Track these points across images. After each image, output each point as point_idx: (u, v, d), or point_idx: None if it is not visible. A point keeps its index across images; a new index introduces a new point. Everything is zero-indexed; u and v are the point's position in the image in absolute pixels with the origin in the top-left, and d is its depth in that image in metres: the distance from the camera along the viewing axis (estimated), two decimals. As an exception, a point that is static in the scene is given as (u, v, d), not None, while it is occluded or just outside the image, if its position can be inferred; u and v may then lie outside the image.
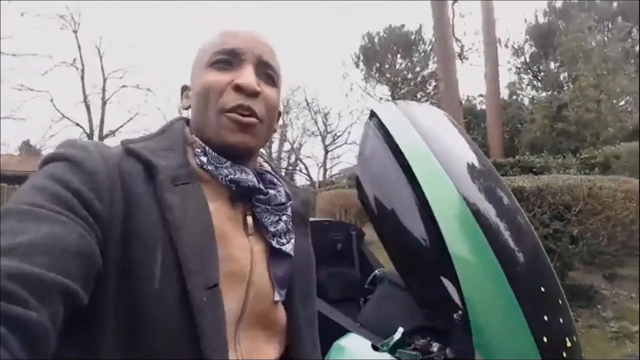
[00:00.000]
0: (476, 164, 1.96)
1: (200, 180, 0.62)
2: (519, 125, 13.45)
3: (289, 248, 0.69)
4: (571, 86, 12.20)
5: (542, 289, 1.55)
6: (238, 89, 0.62)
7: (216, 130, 0.63)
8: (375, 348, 1.64)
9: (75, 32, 20.13)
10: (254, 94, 0.63)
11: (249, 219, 0.66)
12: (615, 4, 14.60)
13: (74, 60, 20.24)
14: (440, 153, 1.72)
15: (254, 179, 0.66)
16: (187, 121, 0.72)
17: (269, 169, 0.79)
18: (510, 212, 1.78)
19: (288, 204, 0.72)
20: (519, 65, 16.34)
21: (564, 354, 1.42)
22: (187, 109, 0.72)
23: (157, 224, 0.54)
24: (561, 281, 4.46)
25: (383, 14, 52.44)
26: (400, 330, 1.63)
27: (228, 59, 0.64)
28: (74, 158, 0.53)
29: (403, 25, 25.67)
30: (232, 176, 0.63)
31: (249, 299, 0.62)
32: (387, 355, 1.55)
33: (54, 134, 20.07)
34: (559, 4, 14.95)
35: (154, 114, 26.56)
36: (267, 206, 0.67)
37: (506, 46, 15.19)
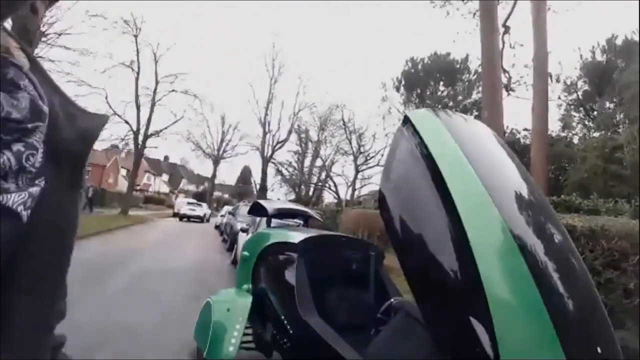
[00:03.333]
0: (527, 192, 1.68)
1: None
2: (566, 164, 12.60)
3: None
4: (628, 127, 11.31)
5: (599, 351, 1.27)
6: None
7: None
8: None
9: (135, 36, 21.39)
10: None
11: None
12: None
13: (131, 62, 21.44)
14: (486, 175, 1.45)
15: None
16: None
17: None
18: (564, 252, 1.50)
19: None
20: (571, 102, 15.45)
21: None
22: None
23: None
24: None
25: (428, 41, 52.40)
26: None
27: None
28: None
29: (449, 54, 25.44)
30: None
31: None
32: None
33: (104, 128, 21.22)
34: (619, 42, 14.10)
35: (197, 118, 27.66)
36: None
37: (557, 81, 14.45)
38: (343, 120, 27.16)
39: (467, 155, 1.47)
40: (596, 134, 13.15)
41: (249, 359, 3.19)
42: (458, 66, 25.24)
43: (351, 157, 27.02)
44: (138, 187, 36.02)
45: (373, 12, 58.92)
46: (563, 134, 13.74)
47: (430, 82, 25.27)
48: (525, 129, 14.57)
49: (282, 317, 2.73)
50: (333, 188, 27.25)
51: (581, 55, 15.20)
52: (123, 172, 35.75)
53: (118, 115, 20.88)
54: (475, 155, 1.52)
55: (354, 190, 26.55)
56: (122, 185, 31.19)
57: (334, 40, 58.80)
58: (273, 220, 4.40)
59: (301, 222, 5.40)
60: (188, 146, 35.14)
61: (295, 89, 34.97)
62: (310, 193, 29.84)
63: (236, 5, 64.39)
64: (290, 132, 30.62)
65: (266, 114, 31.24)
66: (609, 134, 12.19)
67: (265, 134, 31.07)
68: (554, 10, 13.58)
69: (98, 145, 31.35)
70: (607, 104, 14.44)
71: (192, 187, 51.62)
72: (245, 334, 2.87)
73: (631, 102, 11.06)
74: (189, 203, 27.10)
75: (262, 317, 3.02)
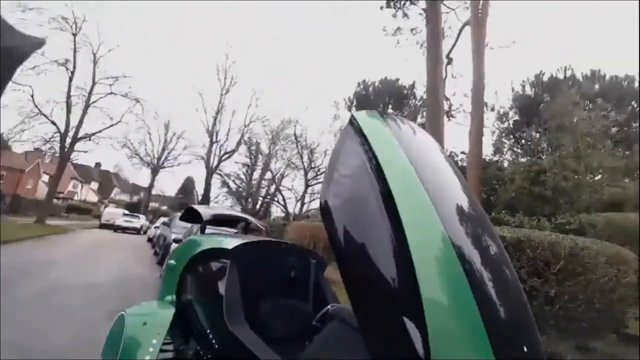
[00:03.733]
0: (468, 204, 1.69)
1: None
2: (497, 185, 13.59)
3: None
4: (551, 154, 12.53)
5: (525, 350, 1.33)
6: None
7: None
8: None
9: (74, 34, 19.83)
10: None
11: None
12: (597, 85, 15.51)
13: (66, 60, 19.73)
14: (430, 183, 1.43)
15: None
16: None
17: None
18: (498, 261, 1.53)
19: None
20: (503, 130, 16.86)
21: None
22: None
23: None
24: None
25: (380, 66, 55.05)
26: None
27: None
28: None
29: (398, 79, 26.86)
30: None
31: None
32: None
33: (26, 128, 19.21)
34: (545, 78, 15.77)
35: (137, 124, 25.73)
36: None
37: (492, 110, 15.73)
38: (295, 135, 27.10)
39: (412, 161, 1.45)
40: (523, 159, 14.39)
41: (166, 379, 2.81)
42: (406, 92, 26.67)
43: (302, 172, 26.99)
44: (61, 195, 32.81)
45: (329, 33, 60.79)
46: (495, 158, 14.89)
47: (380, 104, 26.38)
48: (463, 152, 15.58)
49: (208, 330, 2.53)
50: (282, 202, 26.90)
51: (513, 88, 16.77)
52: (46, 178, 32.27)
53: (43, 114, 18.88)
54: (420, 163, 1.50)
55: (302, 204, 26.43)
56: (44, 192, 28.05)
57: (289, 56, 59.40)
58: (210, 228, 4.07)
59: (240, 230, 5.10)
60: (124, 153, 32.62)
61: (248, 100, 33.71)
62: (258, 206, 29.15)
63: (190, 13, 62.89)
64: (239, 144, 29.75)
65: (214, 124, 30.16)
66: (534, 159, 13.40)
67: (212, 143, 29.83)
68: (491, 47, 14.96)
69: (17, 148, 28.16)
70: (534, 133, 15.94)
71: (125, 197, 47.62)
72: (164, 351, 2.57)
73: (555, 132, 12.32)
74: (125, 214, 25.16)
75: (186, 332, 2.75)
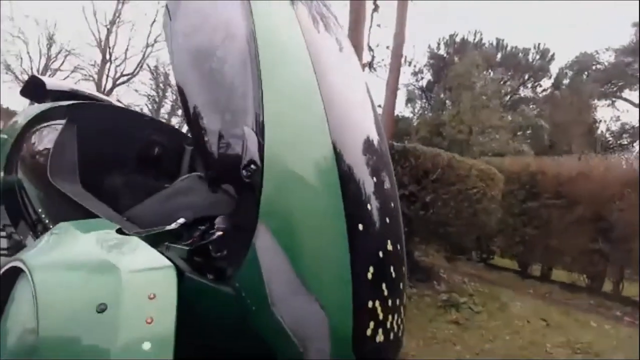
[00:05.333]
0: (361, 101, 1.67)
1: None
2: (408, 138, 14.44)
3: None
4: (450, 109, 13.60)
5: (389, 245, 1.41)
6: None
7: None
8: (121, 232, 1.35)
9: None
10: None
11: None
12: (499, 55, 16.95)
13: None
14: (321, 60, 1.40)
15: None
16: None
17: None
18: (374, 153, 1.57)
19: None
20: (417, 87, 17.74)
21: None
22: None
23: None
24: (407, 259, 4.32)
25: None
26: (180, 221, 1.41)
27: None
28: None
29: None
30: None
31: None
32: (135, 239, 1.30)
33: None
34: (458, 39, 16.72)
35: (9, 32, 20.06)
36: None
37: (409, 64, 16.28)
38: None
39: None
40: (430, 115, 15.42)
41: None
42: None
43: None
44: None
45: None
46: (407, 114, 15.74)
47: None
48: (379, 105, 16.05)
49: (40, 209, 2.21)
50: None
51: (429, 45, 17.48)
52: None
53: None
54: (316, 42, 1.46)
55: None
56: None
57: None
58: None
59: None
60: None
61: (152, 15, 23.47)
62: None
63: None
64: (140, 66, 23.96)
65: (108, 36, 23.37)
66: (439, 113, 14.45)
67: (105, 62, 23.60)
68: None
69: None
70: (442, 94, 17.06)
71: None
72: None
73: (456, 90, 13.32)
74: None
75: (16, 215, 2.41)
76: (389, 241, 1.44)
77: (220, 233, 1.30)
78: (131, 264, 1.14)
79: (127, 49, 24.18)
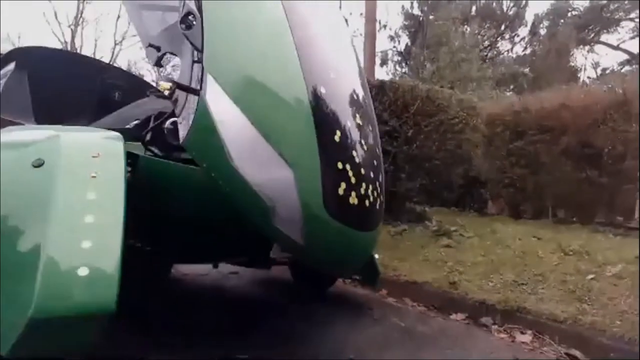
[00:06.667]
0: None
1: None
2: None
3: None
4: (428, 68, 13.42)
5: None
6: None
7: None
8: None
9: None
10: None
11: None
12: (474, 8, 16.74)
13: None
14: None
15: None
16: None
17: None
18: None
19: None
20: (393, 50, 17.47)
21: None
22: None
23: None
24: (401, 207, 4.26)
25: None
26: (135, 122, 1.48)
27: None
28: None
29: None
30: None
31: None
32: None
33: None
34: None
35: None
36: None
37: (384, 27, 15.95)
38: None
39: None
40: (410, 74, 15.21)
41: None
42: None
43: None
44: None
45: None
46: (385, 78, 15.48)
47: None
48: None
49: None
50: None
51: (403, 6, 17.13)
52: None
53: None
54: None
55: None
56: None
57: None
58: None
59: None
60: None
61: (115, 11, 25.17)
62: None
63: None
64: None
65: (73, 38, 23.02)
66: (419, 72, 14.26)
67: None
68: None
69: None
70: (421, 57, 16.84)
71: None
72: None
73: (435, 47, 13.14)
74: None
75: None
76: (357, 114, 1.37)
77: (170, 110, 1.23)
78: (74, 131, 1.06)
79: (94, 50, 23.41)
